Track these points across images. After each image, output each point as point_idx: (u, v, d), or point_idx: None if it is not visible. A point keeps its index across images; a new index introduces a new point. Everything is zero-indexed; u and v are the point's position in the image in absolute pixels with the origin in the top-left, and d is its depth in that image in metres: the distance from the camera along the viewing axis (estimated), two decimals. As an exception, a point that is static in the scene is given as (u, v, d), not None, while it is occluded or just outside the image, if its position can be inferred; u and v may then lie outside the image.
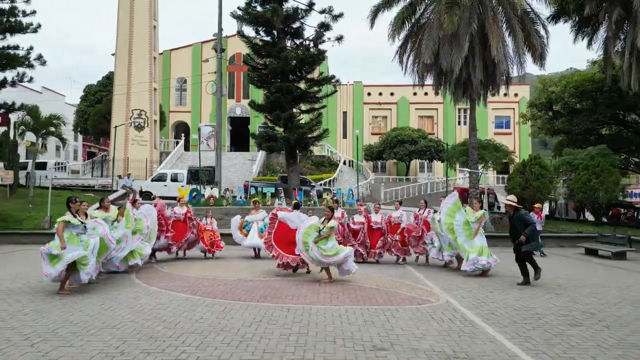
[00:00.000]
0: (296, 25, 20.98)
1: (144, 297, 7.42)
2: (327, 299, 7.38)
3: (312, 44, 21.27)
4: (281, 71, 19.70)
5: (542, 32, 20.10)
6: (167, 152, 40.09)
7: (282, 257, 9.26)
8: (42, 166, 28.73)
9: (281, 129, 20.48)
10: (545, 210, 28.04)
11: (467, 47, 18.84)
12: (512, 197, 9.15)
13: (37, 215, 18.79)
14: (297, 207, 10.32)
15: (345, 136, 46.70)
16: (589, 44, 21.47)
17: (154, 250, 11.63)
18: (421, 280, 9.30)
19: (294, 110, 21.09)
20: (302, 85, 21.30)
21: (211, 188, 19.85)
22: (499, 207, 27.12)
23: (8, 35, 21.19)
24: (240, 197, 18.37)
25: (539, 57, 19.91)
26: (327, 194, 19.24)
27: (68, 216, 7.57)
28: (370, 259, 11.77)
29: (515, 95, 44.48)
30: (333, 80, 22.16)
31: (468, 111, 46.76)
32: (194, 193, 18.68)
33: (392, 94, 46.43)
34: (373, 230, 11.51)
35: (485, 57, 19.56)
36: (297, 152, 21.00)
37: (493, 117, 47.15)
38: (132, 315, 6.17)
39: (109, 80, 41.92)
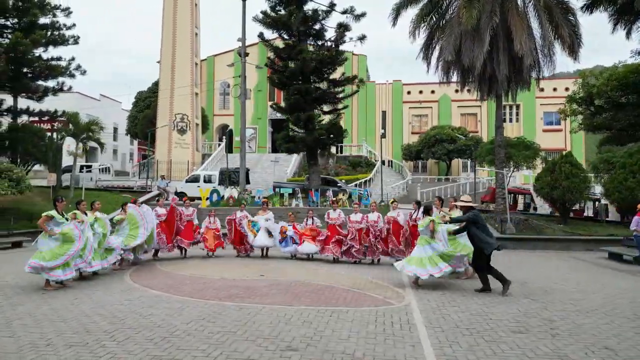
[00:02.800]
0: (317, 26, 21.08)
1: (118, 293, 7.83)
2: (290, 299, 7.45)
3: (333, 45, 21.29)
4: (300, 73, 19.90)
5: (574, 22, 19.04)
6: (210, 154, 41.56)
7: None
8: (87, 169, 30.61)
9: (302, 130, 20.69)
10: (589, 212, 26.48)
11: (488, 41, 18.19)
12: (466, 197, 8.67)
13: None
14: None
15: (384, 136, 46.16)
16: (628, 33, 20.03)
17: (156, 250, 12.24)
18: (404, 283, 9.13)
19: (316, 111, 21.22)
20: (323, 85, 21.36)
21: (231, 189, 20.41)
22: (535, 208, 25.94)
23: (51, 47, 22.82)
24: (258, 198, 18.76)
25: (570, 49, 18.86)
26: (343, 194, 19.21)
27: (52, 212, 8.17)
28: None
29: (566, 89, 42.14)
30: (356, 80, 22.06)
31: (514, 107, 45.40)
32: (214, 194, 19.30)
33: (432, 91, 45.37)
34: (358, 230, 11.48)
35: (511, 51, 18.79)
36: (317, 153, 21.04)
37: (542, 113, 45.00)
38: (91, 311, 6.55)
39: (157, 86, 44.04)
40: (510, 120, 45.66)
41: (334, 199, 16.56)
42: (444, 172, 42.14)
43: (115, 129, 55.97)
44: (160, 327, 5.71)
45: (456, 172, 42.81)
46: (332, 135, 20.81)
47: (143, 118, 43.02)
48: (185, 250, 12.80)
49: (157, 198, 26.53)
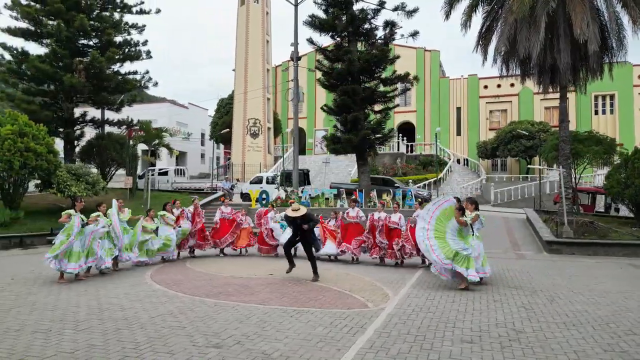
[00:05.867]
0: (367, 26, 20.92)
1: (125, 287, 8.51)
2: (269, 298, 7.57)
3: (383, 44, 20.99)
4: (347, 73, 19.88)
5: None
6: (282, 157, 42.89)
7: None
8: (164, 173, 33.14)
9: (350, 131, 20.61)
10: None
11: (544, 28, 16.81)
12: (295, 206, 9.56)
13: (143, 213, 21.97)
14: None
15: (459, 133, 44.40)
16: None
17: (191, 248, 13.04)
18: (398, 284, 8.84)
19: (366, 111, 21.06)
20: (374, 85, 21.11)
21: (278, 190, 20.95)
22: (617, 209, 23.44)
23: (128, 62, 25.13)
24: (305, 198, 19.05)
25: (645, 30, 16.76)
26: (387, 195, 18.80)
27: (71, 211, 9.15)
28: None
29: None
30: (409, 77, 21.53)
31: (607, 98, 41.18)
32: (263, 195, 19.96)
33: (512, 85, 42.59)
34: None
35: (573, 37, 17.17)
36: (365, 153, 20.83)
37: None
38: (86, 303, 7.22)
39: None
40: (604, 112, 41.54)
41: (382, 200, 16.32)
42: (525, 170, 39.44)
43: (203, 135, 59.91)
44: (125, 320, 6.15)
45: (536, 171, 39.83)
46: (378, 136, 20.46)
47: (222, 124, 45.59)
48: (222, 249, 13.52)
49: (225, 198, 28.23)
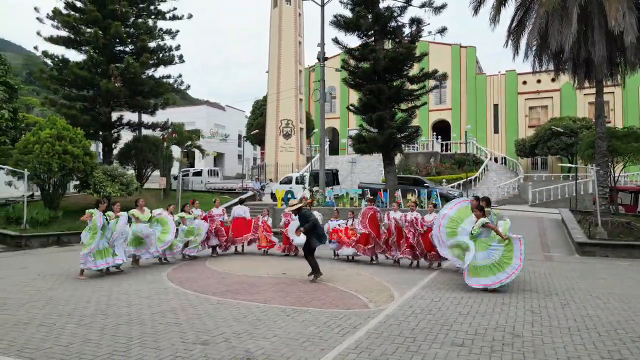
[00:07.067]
0: (392, 24, 20.69)
1: (140, 284, 8.80)
2: (272, 297, 7.62)
3: (410, 41, 20.70)
4: (372, 72, 19.72)
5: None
6: (315, 157, 43.06)
7: None
8: (198, 173, 33.94)
9: (376, 130, 20.45)
10: None
11: (576, 20, 16.10)
12: (293, 201, 10.01)
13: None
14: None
15: (496, 131, 43.16)
16: None
17: (213, 247, 13.31)
18: (408, 285, 8.69)
19: (393, 109, 20.82)
20: (400, 83, 20.84)
21: (304, 189, 21.02)
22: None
23: (162, 67, 25.94)
24: (330, 198, 19.03)
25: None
26: (412, 195, 18.49)
27: (93, 210, 9.55)
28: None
29: None
30: (437, 74, 21.13)
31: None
32: (288, 195, 20.10)
33: (553, 79, 41.01)
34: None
35: (608, 29, 16.36)
36: (391, 153, 20.56)
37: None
38: (97, 299, 7.52)
39: (271, 95, 47.03)
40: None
41: (409, 200, 16.11)
42: (566, 169, 37.82)
43: (240, 136, 61.01)
44: (127, 316, 6.37)
45: (581, 169, 38.10)
46: (404, 135, 20.16)
47: (256, 125, 46.25)
48: (243, 247, 13.73)
49: (258, 197, 28.60)
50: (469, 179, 33.01)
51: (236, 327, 5.79)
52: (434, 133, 43.01)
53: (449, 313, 6.60)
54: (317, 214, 13.13)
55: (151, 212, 11.25)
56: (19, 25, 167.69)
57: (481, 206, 8.72)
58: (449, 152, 40.45)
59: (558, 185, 30.57)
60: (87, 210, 9.71)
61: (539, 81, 41.46)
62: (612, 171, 18.94)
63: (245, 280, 9.27)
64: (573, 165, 22.02)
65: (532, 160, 40.89)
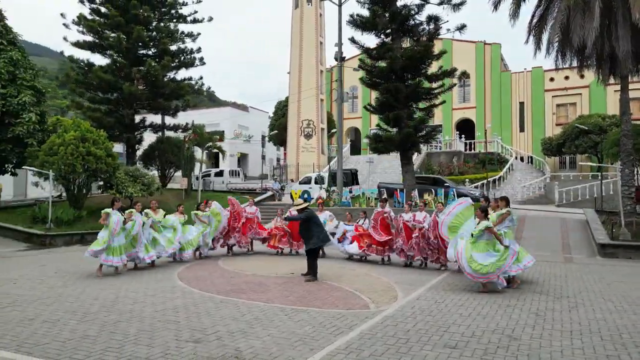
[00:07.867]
0: (410, 22, 20.49)
1: (149, 283, 8.97)
2: (278, 297, 7.66)
3: (428, 39, 20.46)
4: (389, 71, 19.57)
5: None
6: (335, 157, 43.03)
7: None
8: (220, 174, 34.33)
9: (393, 130, 20.28)
10: None
11: (598, 14, 15.61)
12: (299, 201, 10.40)
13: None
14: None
15: (522, 129, 42.18)
16: None
17: (229, 246, 13.43)
18: (415, 286, 8.58)
19: (411, 108, 20.63)
20: (419, 82, 20.62)
21: (320, 189, 21.00)
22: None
23: (183, 69, 26.40)
24: (346, 199, 18.97)
25: None
26: (429, 195, 18.22)
27: (109, 210, 9.81)
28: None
29: None
30: (456, 73, 20.81)
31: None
32: (305, 195, 20.13)
33: (582, 76, 39.68)
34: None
35: (632, 23, 15.80)
36: (409, 152, 20.33)
37: None
38: (105, 296, 7.70)
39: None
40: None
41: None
42: (595, 168, 36.63)
43: (263, 137, 61.55)
44: (129, 313, 6.50)
45: (611, 169, 36.85)
46: (421, 134, 19.90)
47: (279, 125, 46.53)
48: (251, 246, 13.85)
49: (277, 198, 28.76)
50: (492, 178, 32.41)
51: (232, 326, 5.84)
52: (458, 132, 42.34)
53: (449, 315, 6.49)
54: (327, 214, 13.18)
55: (164, 215, 11.49)
56: (56, 32, 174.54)
57: (485, 209, 8.54)
58: (472, 151, 39.74)
59: (586, 185, 29.65)
60: (102, 211, 9.94)
61: (566, 78, 40.27)
62: (638, 170, 18.26)
63: (252, 279, 9.34)
64: (598, 165, 21.29)
65: (560, 159, 39.76)
